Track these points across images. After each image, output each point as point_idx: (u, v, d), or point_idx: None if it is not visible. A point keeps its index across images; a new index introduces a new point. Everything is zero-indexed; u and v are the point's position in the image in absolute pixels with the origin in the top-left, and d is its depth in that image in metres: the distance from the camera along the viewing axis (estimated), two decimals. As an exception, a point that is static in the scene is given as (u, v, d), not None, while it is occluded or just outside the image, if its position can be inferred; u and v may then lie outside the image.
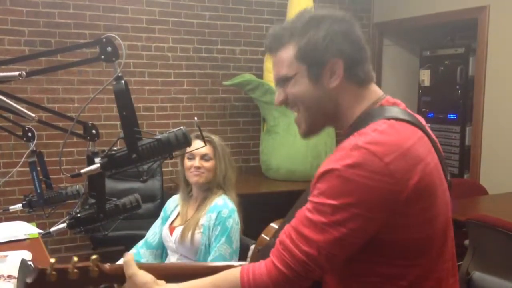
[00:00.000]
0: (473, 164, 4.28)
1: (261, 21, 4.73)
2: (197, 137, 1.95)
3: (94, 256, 1.05)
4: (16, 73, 1.08)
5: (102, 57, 1.14)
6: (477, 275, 1.61)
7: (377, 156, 0.95)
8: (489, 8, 4.02)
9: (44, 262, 2.11)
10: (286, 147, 4.15)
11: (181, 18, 4.44)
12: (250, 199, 2.74)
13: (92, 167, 1.19)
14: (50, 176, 1.74)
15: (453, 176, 4.58)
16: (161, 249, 2.32)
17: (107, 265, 1.08)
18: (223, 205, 2.18)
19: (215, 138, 2.26)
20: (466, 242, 3.10)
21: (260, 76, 4.44)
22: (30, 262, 1.82)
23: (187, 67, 4.50)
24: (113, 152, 1.19)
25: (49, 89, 4.03)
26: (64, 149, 3.99)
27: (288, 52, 1.09)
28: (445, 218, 1.06)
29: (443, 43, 5.02)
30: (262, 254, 1.15)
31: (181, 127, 1.23)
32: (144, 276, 1.06)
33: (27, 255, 2.07)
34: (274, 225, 1.24)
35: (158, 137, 1.20)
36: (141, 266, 1.09)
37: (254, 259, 1.19)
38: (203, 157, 2.21)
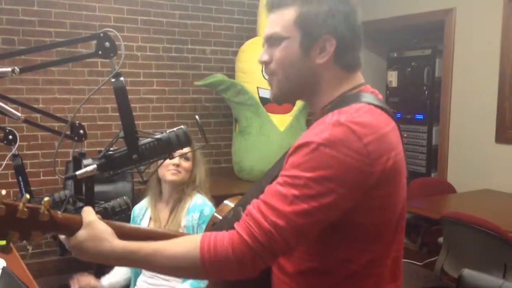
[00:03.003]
0: (440, 163, 4.38)
1: (231, 21, 4.69)
2: None
3: (46, 199, 0.98)
4: (9, 69, 1.01)
5: (100, 52, 1.09)
6: (466, 272, 1.64)
7: (357, 135, 0.95)
8: (455, 11, 4.13)
9: (18, 267, 2.01)
10: (259, 148, 4.13)
11: (150, 16, 4.35)
12: (222, 201, 2.69)
13: (89, 168, 1.14)
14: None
15: (420, 175, 4.69)
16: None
17: (60, 214, 1.02)
18: (203, 203, 2.17)
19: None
20: (440, 239, 3.17)
21: (231, 76, 4.41)
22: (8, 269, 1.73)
23: (156, 67, 4.41)
24: (111, 152, 1.13)
25: (13, 89, 3.86)
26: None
27: (288, 14, 1.07)
28: (401, 208, 1.08)
29: (410, 44, 5.13)
30: (218, 227, 1.13)
31: (182, 126, 1.19)
32: (103, 225, 1.02)
33: (1, 262, 1.96)
34: (228, 203, 1.22)
35: (158, 136, 1.15)
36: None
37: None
38: (182, 157, 2.17)
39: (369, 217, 1.01)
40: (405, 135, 4.98)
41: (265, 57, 1.11)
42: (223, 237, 0.97)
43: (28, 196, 0.95)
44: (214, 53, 4.66)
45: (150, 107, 4.40)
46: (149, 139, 1.14)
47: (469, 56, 4.07)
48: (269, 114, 4.15)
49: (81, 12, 4.07)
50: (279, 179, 0.99)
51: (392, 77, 5.01)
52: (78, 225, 1.02)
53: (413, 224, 4.37)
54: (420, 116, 4.84)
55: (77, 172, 1.14)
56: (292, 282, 1.09)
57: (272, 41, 1.09)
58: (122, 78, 1.09)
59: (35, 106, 3.84)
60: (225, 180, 4.41)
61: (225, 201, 1.22)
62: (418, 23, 4.54)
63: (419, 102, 4.82)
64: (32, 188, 4.00)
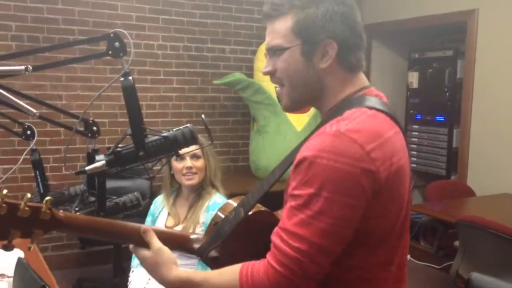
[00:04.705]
0: (460, 166, 4.33)
1: (251, 20, 4.72)
2: None
3: (47, 198, 1.01)
4: (22, 67, 1.05)
5: (110, 52, 1.12)
6: (475, 276, 1.62)
7: (359, 144, 0.94)
8: (478, 12, 4.07)
9: (37, 260, 2.07)
10: (276, 147, 4.15)
11: (171, 16, 4.40)
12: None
13: (98, 164, 1.17)
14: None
15: (440, 177, 4.64)
16: None
17: (61, 212, 1.04)
18: (223, 203, 2.18)
19: (200, 136, 2.23)
20: (456, 243, 3.13)
21: (250, 75, 4.43)
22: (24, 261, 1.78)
23: (176, 65, 4.46)
24: (119, 149, 1.17)
25: (37, 86, 3.95)
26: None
27: (285, 23, 1.06)
28: (405, 212, 1.08)
29: (432, 45, 5.07)
30: (217, 228, 1.16)
31: (188, 125, 1.22)
32: (168, 254, 1.11)
33: (19, 254, 2.02)
34: (231, 202, 1.23)
35: (165, 134, 1.18)
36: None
37: (209, 232, 1.20)
38: (193, 156, 2.19)
39: (375, 224, 1.01)
40: (425, 137, 4.93)
41: (269, 68, 1.11)
42: (259, 268, 1.00)
43: (29, 195, 0.98)
44: (234, 52, 4.69)
45: (170, 105, 4.45)
46: (156, 137, 1.16)
47: (492, 57, 4.01)
48: (287, 113, 4.16)
49: (104, 11, 4.14)
50: (291, 201, 0.99)
51: (413, 78, 4.96)
52: (80, 223, 1.05)
53: (429, 227, 4.34)
54: (440, 118, 4.78)
55: (87, 168, 1.18)
56: None
57: (273, 53, 1.09)
58: (130, 77, 1.11)
59: (58, 102, 3.95)
60: (242, 179, 4.44)
61: (229, 200, 1.24)
62: (440, 24, 4.49)
63: (440, 103, 4.76)
64: (54, 183, 4.08)
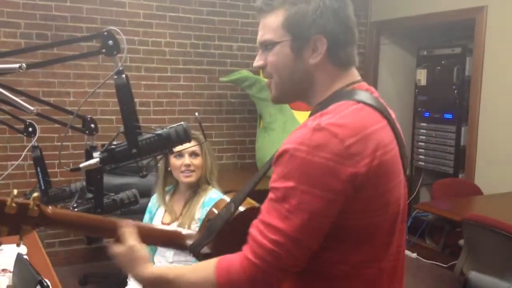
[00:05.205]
0: (468, 164, 4.29)
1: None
2: None
3: (35, 194, 1.03)
4: (16, 65, 1.07)
5: (103, 50, 1.13)
6: (473, 274, 1.61)
7: (339, 138, 0.95)
8: (486, 9, 4.03)
9: (39, 256, 2.10)
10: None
11: (178, 13, 4.42)
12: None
13: (91, 161, 1.18)
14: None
15: (448, 175, 4.61)
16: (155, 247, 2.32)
17: (50, 208, 1.06)
18: (218, 198, 2.18)
19: (199, 134, 2.23)
20: (461, 242, 3.12)
21: (257, 72, 4.42)
22: (25, 256, 1.81)
23: (184, 62, 4.48)
24: (113, 146, 1.18)
25: (45, 82, 4.00)
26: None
27: (276, 18, 1.07)
28: (396, 210, 1.06)
29: (440, 42, 5.03)
30: (210, 224, 1.17)
31: (182, 123, 1.22)
32: (142, 251, 1.12)
33: (22, 249, 2.05)
34: (226, 198, 1.24)
35: (158, 132, 1.19)
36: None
37: (203, 228, 1.21)
38: (192, 154, 2.20)
39: (357, 219, 1.01)
40: (433, 135, 4.90)
41: (260, 62, 1.12)
42: (235, 261, 1.01)
43: (15, 191, 0.99)
44: (241, 49, 4.69)
45: (177, 102, 4.47)
46: (149, 135, 1.17)
47: (500, 55, 3.97)
48: (293, 111, 4.16)
49: (112, 8, 4.16)
50: (271, 193, 1.00)
51: (421, 76, 4.93)
52: (69, 219, 1.07)
53: (436, 226, 4.31)
54: (448, 116, 4.74)
55: (81, 165, 1.19)
56: (283, 282, 1.09)
57: (264, 46, 1.10)
58: (124, 75, 1.12)
59: (66, 99, 3.99)
60: (248, 176, 4.38)
61: (224, 196, 1.25)
62: (449, 21, 4.46)
63: (448, 101, 4.72)
64: (62, 179, 4.11)
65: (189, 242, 1.19)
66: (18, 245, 1.03)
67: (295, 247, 0.97)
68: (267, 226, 0.98)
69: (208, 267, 1.03)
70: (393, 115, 1.13)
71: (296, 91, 1.12)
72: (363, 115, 1.01)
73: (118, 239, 1.13)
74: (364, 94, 1.06)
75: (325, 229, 0.99)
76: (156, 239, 1.14)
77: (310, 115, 1.10)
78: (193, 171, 2.20)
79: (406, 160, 1.13)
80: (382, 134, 1.02)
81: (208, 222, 1.18)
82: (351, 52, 1.10)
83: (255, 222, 1.02)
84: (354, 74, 1.12)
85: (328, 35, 1.05)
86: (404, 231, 1.14)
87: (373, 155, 0.97)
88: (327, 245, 1.02)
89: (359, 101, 1.03)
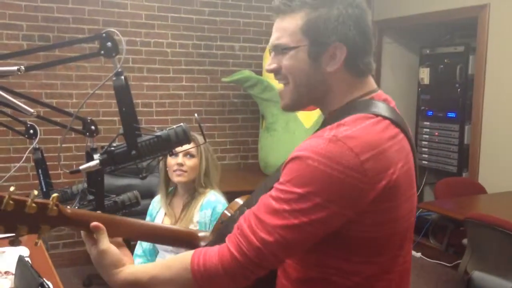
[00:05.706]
0: (471, 163, 4.27)
1: (260, 18, 4.71)
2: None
3: (54, 195, 1.02)
4: (15, 68, 1.07)
5: (102, 52, 1.13)
6: (476, 274, 1.60)
7: (354, 152, 0.92)
8: (489, 7, 4.01)
9: (42, 258, 2.10)
10: (285, 144, 4.14)
11: (180, 13, 4.42)
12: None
13: (91, 163, 1.18)
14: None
15: (451, 174, 4.59)
16: (157, 249, 2.32)
17: (69, 208, 1.05)
18: (216, 200, 2.18)
19: (198, 136, 2.21)
20: (464, 241, 3.10)
21: (259, 72, 4.43)
22: (27, 259, 1.82)
23: (186, 63, 4.48)
24: (112, 148, 1.18)
25: (47, 84, 4.01)
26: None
27: (295, 21, 1.02)
28: (408, 221, 1.05)
29: (443, 41, 5.02)
30: (225, 226, 1.14)
31: (181, 124, 1.22)
32: (114, 256, 1.05)
33: (24, 251, 2.05)
34: (238, 200, 1.23)
35: (158, 133, 1.19)
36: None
37: (215, 230, 1.19)
38: (186, 154, 2.17)
39: (369, 232, 0.99)
40: (436, 134, 4.88)
41: (273, 66, 1.07)
42: (213, 254, 0.99)
43: (36, 192, 0.99)
44: (243, 49, 4.69)
45: (179, 102, 4.47)
46: (148, 136, 1.17)
47: (503, 53, 3.95)
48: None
49: (113, 10, 4.17)
50: (273, 191, 0.98)
51: (424, 74, 4.91)
52: (87, 219, 1.06)
53: (439, 225, 4.30)
54: (452, 114, 4.72)
55: (81, 167, 1.19)
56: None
57: (279, 50, 1.06)
58: (122, 77, 1.12)
59: (68, 101, 4.00)
60: (251, 176, 4.44)
61: (236, 199, 1.23)
62: (451, 19, 4.44)
63: (451, 100, 4.70)
64: (66, 180, 4.12)
65: (203, 243, 1.18)
66: (36, 244, 1.03)
67: (281, 247, 0.95)
68: (260, 221, 0.96)
69: (183, 262, 1.01)
70: (407, 124, 1.10)
71: (310, 97, 1.08)
72: (379, 129, 0.98)
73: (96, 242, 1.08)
74: (382, 105, 1.04)
75: (318, 237, 0.97)
76: (173, 239, 1.12)
77: (324, 121, 1.07)
78: (185, 171, 2.16)
79: (417, 171, 1.11)
80: (396, 149, 0.99)
81: (221, 224, 1.18)
82: (368, 61, 1.07)
83: (247, 213, 1.00)
84: (371, 82, 1.09)
85: (348, 44, 1.02)
86: (411, 240, 1.12)
87: (386, 172, 0.95)
88: (336, 254, 1.01)
89: (377, 114, 1.00)
